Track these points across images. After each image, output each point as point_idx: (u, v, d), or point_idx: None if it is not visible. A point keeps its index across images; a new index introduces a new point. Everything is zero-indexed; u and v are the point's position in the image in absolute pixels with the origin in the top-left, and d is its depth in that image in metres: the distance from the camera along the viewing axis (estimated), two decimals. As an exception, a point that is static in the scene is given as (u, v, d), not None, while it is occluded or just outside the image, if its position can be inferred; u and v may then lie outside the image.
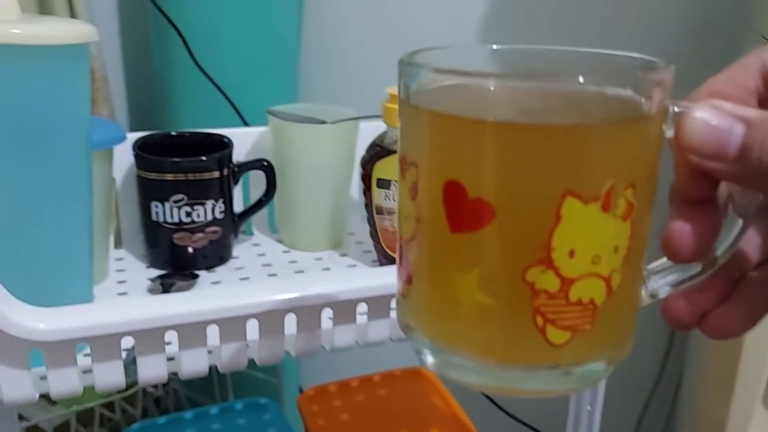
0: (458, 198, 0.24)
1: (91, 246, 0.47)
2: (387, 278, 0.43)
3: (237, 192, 0.62)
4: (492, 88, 0.24)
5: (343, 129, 0.61)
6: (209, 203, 0.58)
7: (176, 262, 0.59)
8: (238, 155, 0.63)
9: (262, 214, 0.66)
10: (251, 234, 0.68)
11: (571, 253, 0.23)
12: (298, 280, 0.44)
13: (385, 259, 0.60)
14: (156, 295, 0.41)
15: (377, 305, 0.44)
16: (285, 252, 0.64)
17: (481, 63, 0.30)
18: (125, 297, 0.53)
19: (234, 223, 0.61)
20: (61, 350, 0.38)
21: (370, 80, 1.04)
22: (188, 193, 0.57)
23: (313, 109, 0.63)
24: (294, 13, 0.98)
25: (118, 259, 0.61)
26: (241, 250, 0.64)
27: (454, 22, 1.00)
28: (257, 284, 0.42)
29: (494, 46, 0.29)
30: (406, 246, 0.27)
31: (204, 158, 0.57)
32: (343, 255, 0.64)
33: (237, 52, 0.99)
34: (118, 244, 0.63)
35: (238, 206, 0.63)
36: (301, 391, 1.05)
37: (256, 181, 0.66)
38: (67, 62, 0.40)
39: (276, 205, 0.65)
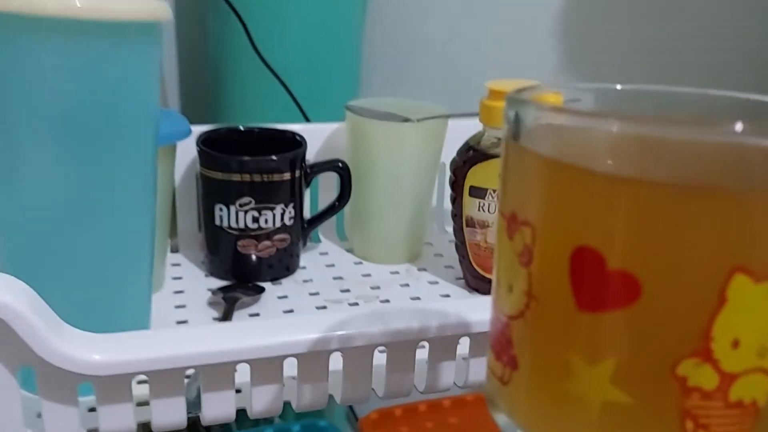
0: (592, 269, 0.19)
1: (152, 255, 0.41)
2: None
3: (305, 195, 0.56)
4: (642, 137, 0.20)
5: (430, 128, 0.54)
6: (278, 208, 0.51)
7: (239, 272, 0.53)
8: (308, 154, 0.57)
9: (330, 219, 0.59)
10: (318, 241, 0.61)
11: (735, 344, 0.19)
12: (390, 310, 0.37)
13: (473, 278, 0.53)
14: (227, 325, 0.35)
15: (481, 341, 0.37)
16: (357, 263, 0.58)
17: (602, 105, 0.25)
18: (191, 325, 0.47)
19: (303, 230, 0.55)
20: (116, 384, 0.32)
21: (439, 74, 0.98)
22: (256, 196, 0.50)
23: (394, 104, 0.56)
24: (359, 3, 0.92)
25: (174, 265, 0.56)
26: (308, 259, 0.57)
27: (527, 13, 0.93)
28: (341, 314, 0.35)
29: (617, 86, 0.25)
30: (512, 323, 0.22)
31: (275, 158, 0.50)
32: (421, 269, 0.57)
33: (300, 43, 0.93)
34: (174, 248, 0.58)
35: (306, 211, 0.56)
36: (352, 410, 0.98)
37: (326, 183, 0.59)
38: (137, 42, 0.34)
39: (347, 210, 0.58)
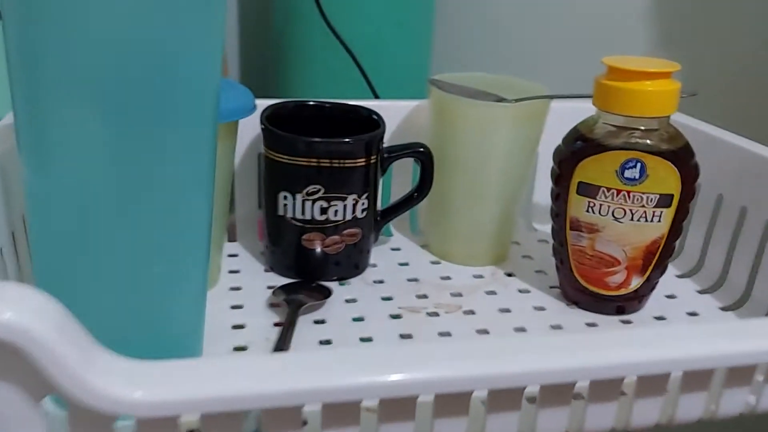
0: None
1: (209, 249, 0.35)
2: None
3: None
4: None
5: (528, 110, 0.47)
6: (350, 198, 0.45)
7: (302, 269, 0.46)
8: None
9: (404, 210, 0.52)
10: (389, 235, 0.54)
11: None
12: (495, 342, 0.30)
13: (572, 289, 0.45)
14: (299, 356, 0.29)
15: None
16: (434, 263, 0.51)
17: None
18: (255, 354, 0.40)
19: (376, 223, 0.48)
20: (162, 426, 0.26)
21: (523, 50, 0.89)
22: (326, 184, 0.44)
23: (487, 80, 0.49)
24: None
25: (231, 256, 0.50)
26: (378, 256, 0.51)
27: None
28: (431, 341, 0.29)
29: None
30: None
31: (349, 140, 0.43)
32: (509, 274, 0.50)
33: (372, 12, 0.85)
34: (230, 236, 0.51)
35: (377, 202, 0.49)
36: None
37: (400, 169, 0.52)
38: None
39: (424, 201, 0.51)
